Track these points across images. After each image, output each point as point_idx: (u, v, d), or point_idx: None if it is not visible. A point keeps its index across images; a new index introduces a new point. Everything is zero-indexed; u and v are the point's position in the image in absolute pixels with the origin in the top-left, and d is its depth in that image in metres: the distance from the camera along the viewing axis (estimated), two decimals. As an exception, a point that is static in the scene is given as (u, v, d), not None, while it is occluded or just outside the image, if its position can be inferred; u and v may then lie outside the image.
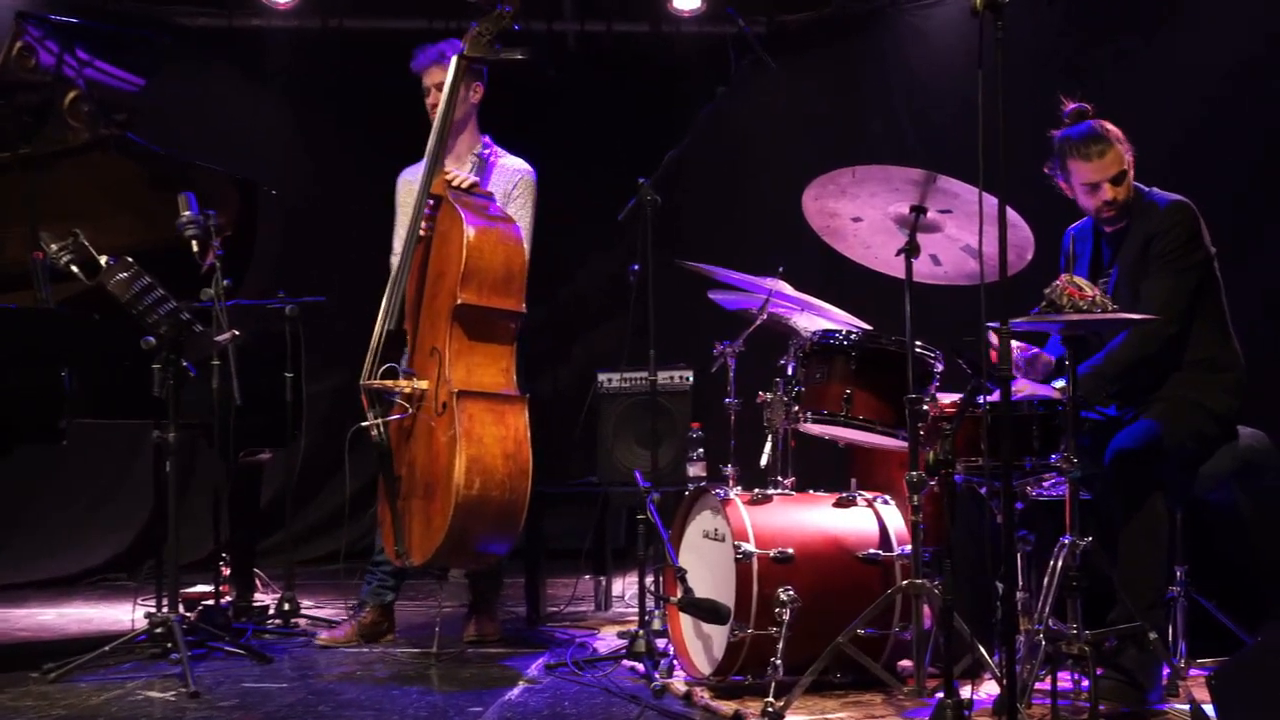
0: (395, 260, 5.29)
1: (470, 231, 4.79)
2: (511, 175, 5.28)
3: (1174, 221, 4.29)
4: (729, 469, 4.65)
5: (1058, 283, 3.77)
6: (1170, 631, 4.27)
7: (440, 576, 5.05)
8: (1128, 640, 3.95)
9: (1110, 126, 4.37)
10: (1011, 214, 3.88)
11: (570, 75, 7.73)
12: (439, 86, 5.19)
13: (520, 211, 5.19)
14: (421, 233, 4.97)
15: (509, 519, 4.74)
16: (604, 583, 6.15)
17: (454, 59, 5.07)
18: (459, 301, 4.74)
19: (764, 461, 4.51)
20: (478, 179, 5.11)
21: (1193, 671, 4.25)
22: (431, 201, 4.95)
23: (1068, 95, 4.47)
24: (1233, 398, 4.30)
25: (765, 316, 4.69)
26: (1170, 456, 4.13)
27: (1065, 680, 3.88)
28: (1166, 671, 4.00)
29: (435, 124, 5.06)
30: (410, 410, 4.78)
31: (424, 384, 4.77)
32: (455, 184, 4.97)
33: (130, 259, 4.69)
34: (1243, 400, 4.33)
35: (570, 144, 7.75)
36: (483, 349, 4.82)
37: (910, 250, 3.98)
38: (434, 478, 4.68)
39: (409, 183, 5.38)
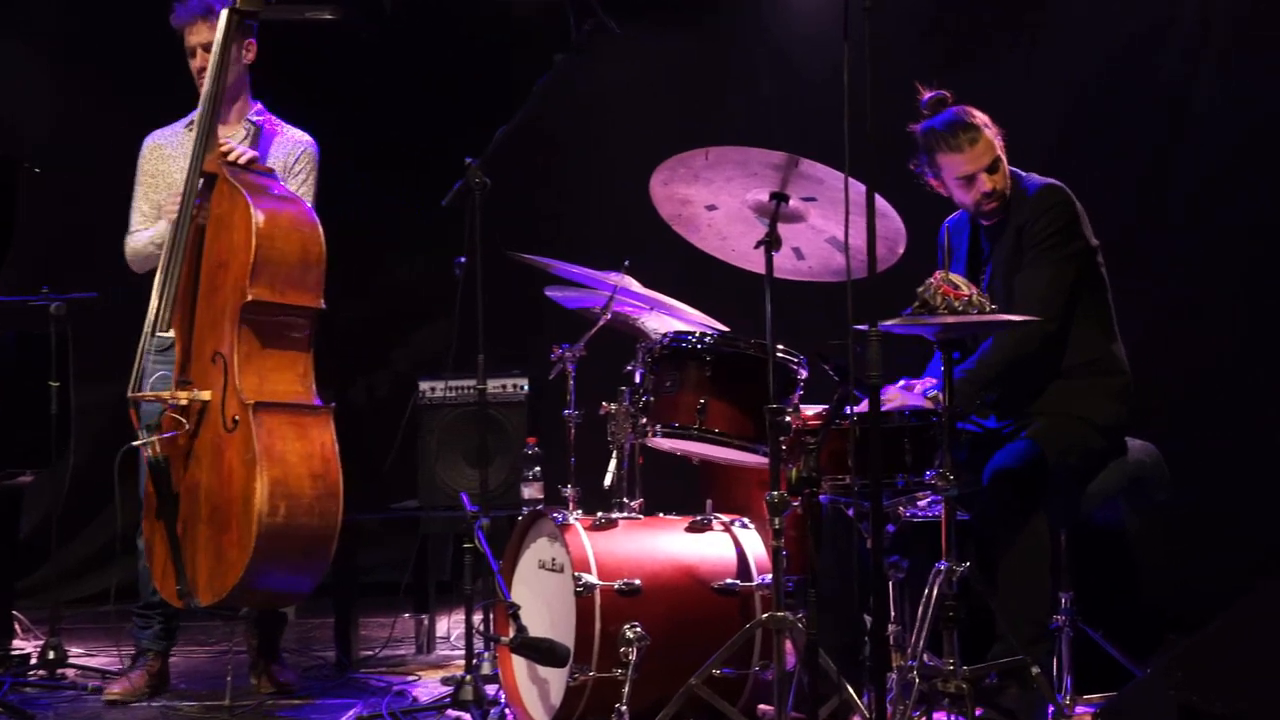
0: (139, 239, 5.17)
1: (259, 216, 4.70)
2: (292, 147, 5.17)
3: (1045, 207, 4.43)
4: (568, 490, 4.65)
5: (931, 281, 3.86)
6: (1055, 665, 4.39)
7: (229, 617, 4.96)
8: (1009, 676, 4.05)
9: (975, 112, 4.50)
10: (881, 203, 3.96)
11: (388, 40, 7.65)
12: (206, 47, 5.06)
13: (302, 188, 5.09)
14: (193, 215, 4.86)
15: (318, 549, 4.67)
16: (426, 622, 6.10)
17: (224, 13, 4.94)
18: (249, 298, 4.65)
19: (608, 481, 4.52)
20: (256, 153, 5.00)
21: (1080, 709, 4.39)
22: (202, 180, 4.81)
23: (924, 84, 4.59)
24: (1119, 406, 4.45)
25: (609, 316, 4.70)
26: (1054, 475, 4.25)
27: (942, 721, 3.97)
28: (1051, 709, 4.11)
29: (204, 89, 4.93)
30: (186, 426, 4.67)
31: (206, 395, 4.68)
32: (233, 159, 4.86)
33: None
34: (1130, 408, 4.48)
35: (388, 119, 7.67)
36: (277, 353, 4.73)
37: (770, 242, 4.03)
38: (227, 504, 4.58)
39: (160, 148, 5.24)
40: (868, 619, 3.96)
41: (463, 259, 4.69)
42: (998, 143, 4.49)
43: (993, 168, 4.47)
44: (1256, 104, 5.84)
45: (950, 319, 3.80)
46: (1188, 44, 6.07)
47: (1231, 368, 5.80)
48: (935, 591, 3.87)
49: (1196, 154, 5.98)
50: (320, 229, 4.87)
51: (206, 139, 4.83)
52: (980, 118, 4.48)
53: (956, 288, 3.85)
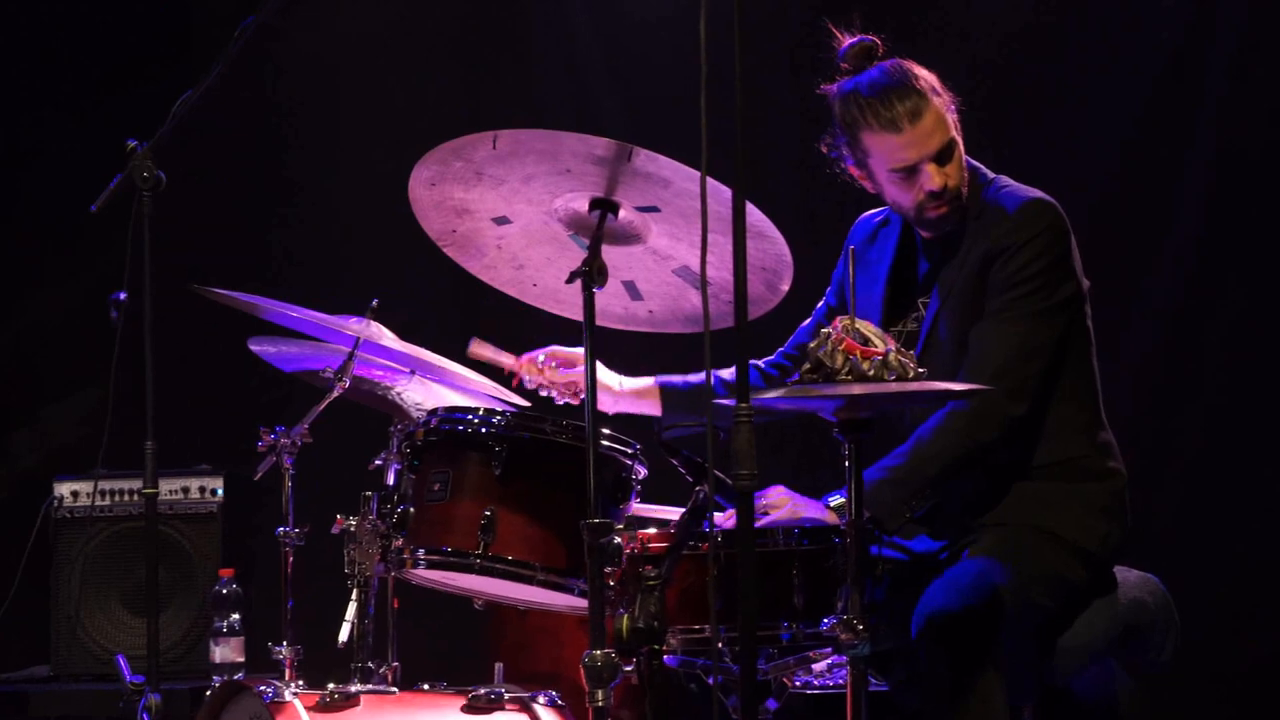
0: None
1: None
2: None
3: (1031, 233, 4.46)
4: (283, 649, 4.62)
5: (830, 332, 3.87)
6: None
7: None
8: None
9: (919, 70, 4.51)
10: (758, 217, 4.00)
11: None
12: None
13: None
14: None
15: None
16: None
17: None
18: None
19: (344, 635, 4.47)
20: None
21: None
22: None
23: (841, 26, 4.61)
24: (1109, 522, 4.49)
25: (348, 383, 4.67)
26: (1014, 620, 4.28)
27: None
28: None
29: None
30: None
31: None
32: None
33: None
34: (1126, 526, 4.55)
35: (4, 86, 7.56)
36: None
37: (590, 274, 4.02)
38: None
39: None
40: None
41: (122, 295, 4.62)
42: (951, 117, 4.50)
43: (944, 155, 4.48)
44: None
45: (857, 388, 3.82)
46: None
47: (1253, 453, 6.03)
48: (838, 799, 3.89)
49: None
50: None
51: None
52: (926, 78, 4.49)
53: (867, 342, 3.86)
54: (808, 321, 4.86)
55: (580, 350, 4.61)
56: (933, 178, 4.47)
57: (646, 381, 4.80)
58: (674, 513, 4.20)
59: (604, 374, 4.69)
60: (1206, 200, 6.29)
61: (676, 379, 4.80)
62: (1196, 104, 6.31)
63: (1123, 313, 6.27)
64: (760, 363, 4.89)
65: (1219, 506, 6.08)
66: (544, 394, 4.74)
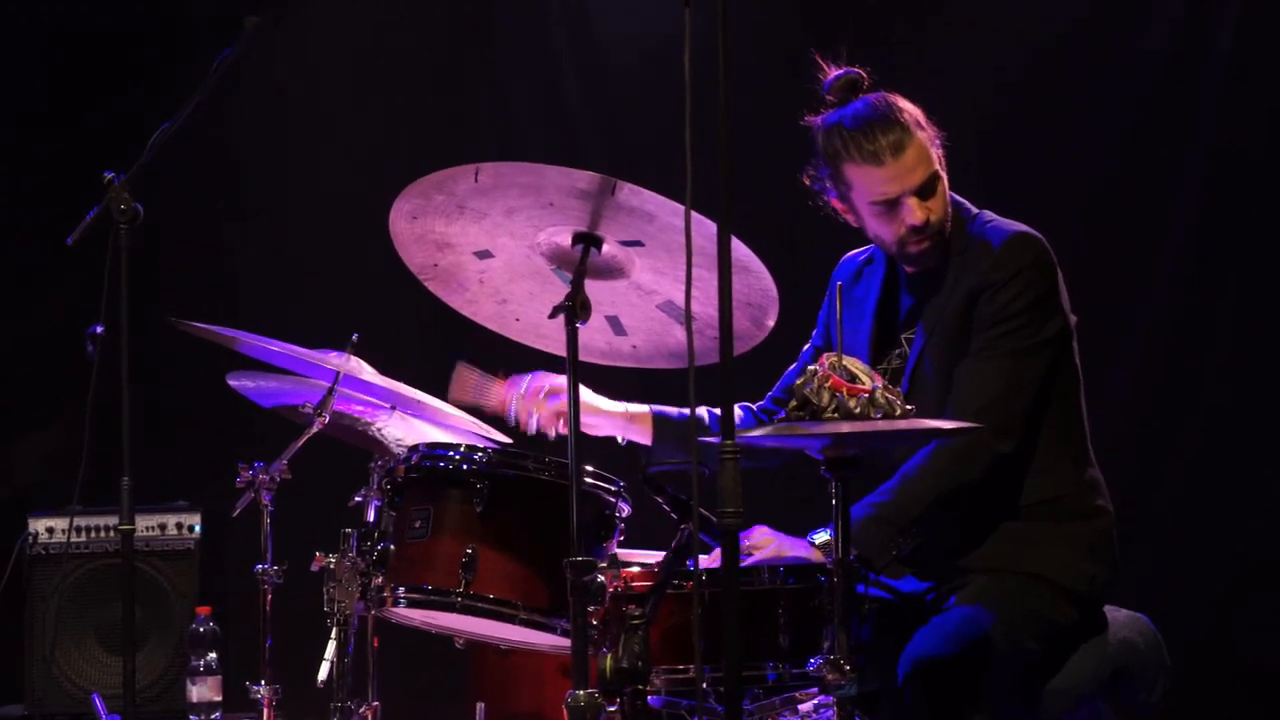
0: None
1: None
2: None
3: (1016, 269, 4.46)
4: (261, 689, 4.62)
5: (816, 369, 3.85)
6: None
7: None
8: None
9: (903, 103, 4.52)
10: (743, 251, 4.00)
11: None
12: None
13: None
14: None
15: None
16: None
17: None
18: None
19: (323, 674, 4.47)
20: None
21: None
22: None
23: (828, 58, 4.61)
24: (1097, 563, 4.49)
25: (327, 419, 4.66)
26: (1002, 664, 4.28)
27: None
28: None
29: None
30: None
31: None
32: None
33: None
34: (1115, 565, 4.55)
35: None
36: None
37: (573, 309, 4.02)
38: None
39: None
40: None
41: (99, 328, 4.62)
42: (935, 151, 4.50)
43: (926, 189, 4.48)
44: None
45: (844, 426, 3.80)
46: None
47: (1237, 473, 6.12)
48: (824, 843, 3.88)
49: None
50: None
51: None
52: (910, 112, 4.49)
53: (854, 379, 3.85)
54: (794, 366, 4.84)
55: (562, 377, 4.60)
56: (914, 211, 4.46)
57: (640, 407, 4.77)
58: (657, 557, 4.19)
59: (588, 395, 4.66)
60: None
61: (671, 410, 4.76)
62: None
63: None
64: (753, 406, 4.89)
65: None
66: (532, 430, 4.70)
